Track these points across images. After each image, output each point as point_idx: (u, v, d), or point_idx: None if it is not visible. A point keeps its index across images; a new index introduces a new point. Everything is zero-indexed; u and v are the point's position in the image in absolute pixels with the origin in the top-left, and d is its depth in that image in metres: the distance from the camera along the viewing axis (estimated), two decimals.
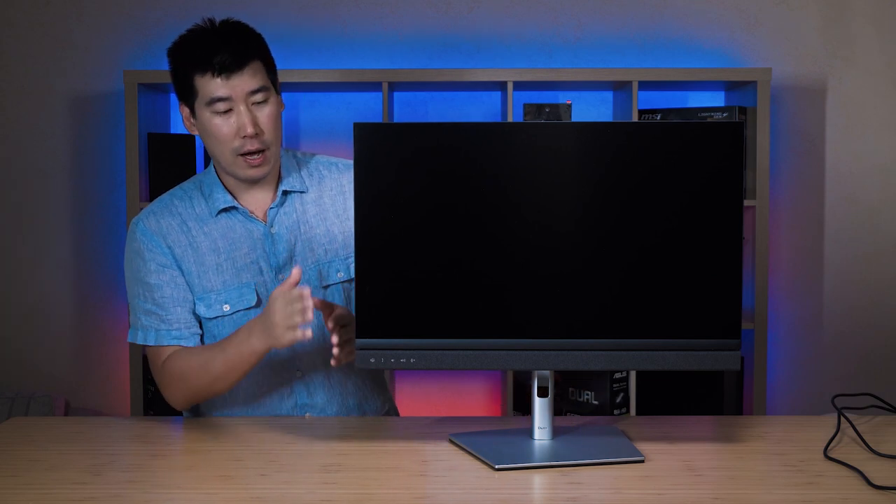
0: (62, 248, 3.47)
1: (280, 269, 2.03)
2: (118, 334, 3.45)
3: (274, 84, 2.01)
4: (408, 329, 1.75)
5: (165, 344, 1.99)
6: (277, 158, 2.04)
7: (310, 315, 1.79)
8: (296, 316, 1.80)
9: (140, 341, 2.01)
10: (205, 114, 1.97)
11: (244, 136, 1.95)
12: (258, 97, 1.96)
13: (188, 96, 1.99)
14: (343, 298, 2.08)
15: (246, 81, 1.95)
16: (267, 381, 2.05)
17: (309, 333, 1.81)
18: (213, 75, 1.93)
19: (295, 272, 1.81)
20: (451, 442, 1.83)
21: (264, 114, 1.97)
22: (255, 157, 1.97)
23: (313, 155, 2.16)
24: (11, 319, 3.49)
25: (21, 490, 1.60)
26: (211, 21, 1.98)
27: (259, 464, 1.73)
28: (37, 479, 1.65)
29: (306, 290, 1.80)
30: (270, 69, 2.01)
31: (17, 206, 3.47)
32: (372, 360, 1.75)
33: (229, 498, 1.58)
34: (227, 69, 1.93)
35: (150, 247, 2.01)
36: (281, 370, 2.05)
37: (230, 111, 1.95)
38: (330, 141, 3.45)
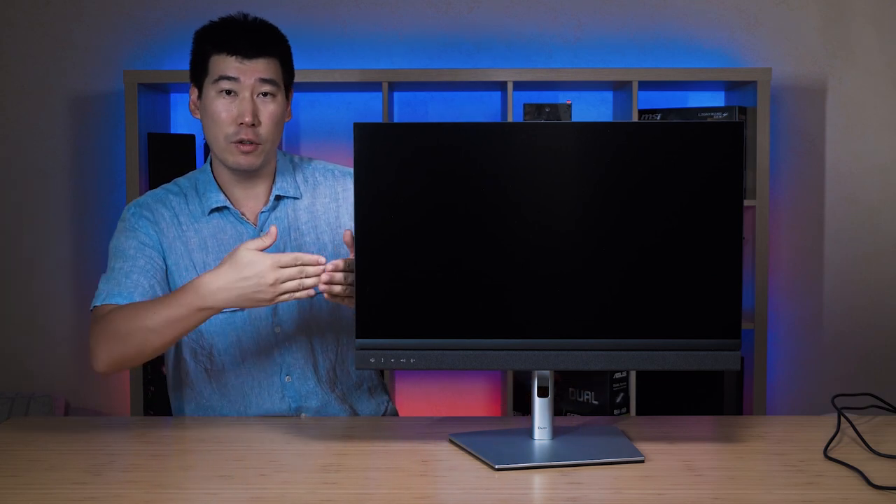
0: (62, 248, 3.47)
1: None
2: None
3: (286, 88, 2.02)
4: (408, 329, 1.75)
5: (110, 302, 1.94)
6: (271, 157, 2.03)
7: (311, 291, 1.78)
8: (298, 291, 1.78)
9: (92, 305, 1.96)
10: (210, 93, 1.97)
11: (241, 124, 1.95)
12: (266, 88, 1.97)
13: (200, 76, 2.00)
14: (331, 308, 2.07)
15: (258, 68, 1.96)
16: (257, 385, 2.04)
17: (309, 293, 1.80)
18: (229, 55, 1.95)
19: (273, 231, 1.80)
20: (451, 442, 1.83)
21: (267, 109, 1.98)
22: (247, 145, 1.97)
23: (310, 160, 2.15)
24: (11, 319, 3.49)
25: (21, 490, 1.60)
26: (244, 15, 2.01)
27: (259, 464, 1.73)
28: (37, 479, 1.65)
29: (323, 263, 1.79)
30: (287, 73, 2.03)
31: (17, 206, 3.47)
32: (372, 360, 1.75)
33: (229, 498, 1.58)
34: (243, 52, 1.95)
35: (139, 226, 2.01)
36: (270, 374, 2.04)
37: (234, 96, 1.96)
38: (330, 141, 3.45)
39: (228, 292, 1.79)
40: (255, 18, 2.02)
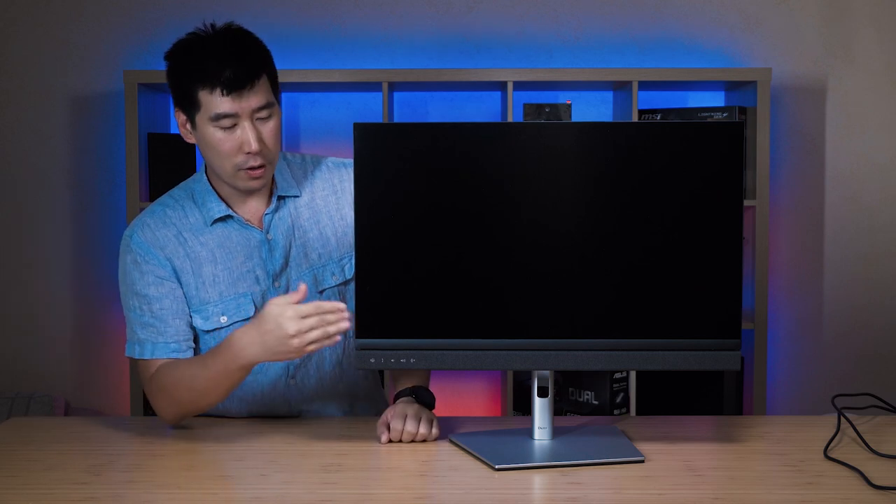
0: (62, 249, 3.47)
1: (277, 277, 2.01)
2: (118, 335, 3.45)
3: (277, 97, 1.98)
4: (408, 329, 1.75)
5: (162, 357, 1.95)
6: (274, 169, 2.01)
7: (338, 338, 1.76)
8: (324, 340, 1.75)
9: (137, 355, 1.96)
10: (207, 128, 1.91)
11: (247, 153, 1.91)
12: (263, 114, 1.91)
13: (189, 107, 1.93)
14: (338, 298, 2.06)
15: (253, 99, 1.89)
16: (260, 390, 2.04)
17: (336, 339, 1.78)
18: (222, 93, 1.87)
19: (302, 288, 1.78)
20: (451, 442, 1.83)
21: (268, 129, 1.93)
22: (257, 170, 1.93)
23: (303, 156, 2.13)
24: (11, 319, 3.49)
25: (21, 490, 1.60)
26: (213, 26, 1.92)
27: (259, 464, 1.73)
28: (36, 479, 1.65)
29: (346, 311, 1.76)
30: (274, 82, 1.97)
31: (17, 206, 3.47)
32: (372, 361, 1.75)
33: (229, 498, 1.58)
34: (235, 87, 1.87)
35: (148, 258, 1.97)
36: (274, 380, 2.03)
37: (234, 126, 1.90)
38: (330, 141, 3.45)
39: (256, 347, 1.79)
40: (229, 31, 1.92)
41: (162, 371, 1.93)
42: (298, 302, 1.77)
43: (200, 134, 1.94)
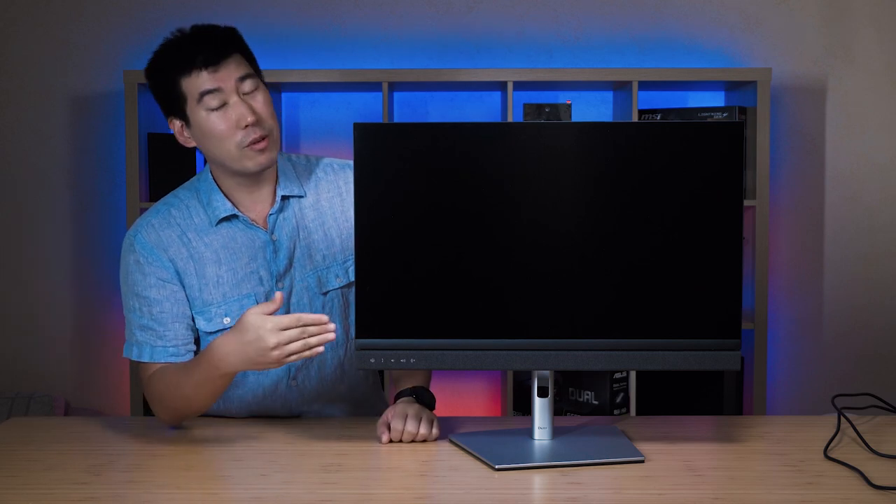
0: (62, 249, 3.47)
1: (280, 278, 2.01)
2: (118, 335, 3.45)
3: (259, 76, 1.99)
4: (408, 329, 1.75)
5: (161, 361, 1.95)
6: (279, 146, 2.01)
7: (320, 349, 1.74)
8: (305, 352, 1.74)
9: (135, 357, 1.96)
10: (199, 114, 1.92)
11: (245, 127, 1.91)
12: (248, 85, 1.93)
13: (177, 105, 1.95)
14: (341, 303, 2.06)
15: (232, 70, 1.92)
16: (261, 392, 2.04)
17: (319, 349, 1.76)
18: (199, 70, 1.90)
19: (278, 297, 1.77)
20: (451, 442, 1.83)
21: (258, 101, 1.94)
22: (260, 142, 1.93)
23: (307, 157, 2.13)
24: (11, 319, 3.49)
25: (21, 490, 1.60)
26: (180, 30, 1.96)
27: (259, 464, 1.73)
28: (36, 479, 1.65)
29: (330, 323, 1.74)
30: (253, 63, 1.99)
31: (17, 206, 3.47)
32: (372, 361, 1.75)
33: (229, 498, 1.58)
34: (211, 61, 1.90)
35: (151, 260, 1.97)
36: (275, 381, 2.03)
37: (224, 106, 1.92)
38: (330, 141, 3.45)
39: (236, 357, 1.78)
40: (197, 26, 1.96)
41: (156, 376, 1.94)
42: (274, 312, 1.76)
43: (196, 127, 1.95)
